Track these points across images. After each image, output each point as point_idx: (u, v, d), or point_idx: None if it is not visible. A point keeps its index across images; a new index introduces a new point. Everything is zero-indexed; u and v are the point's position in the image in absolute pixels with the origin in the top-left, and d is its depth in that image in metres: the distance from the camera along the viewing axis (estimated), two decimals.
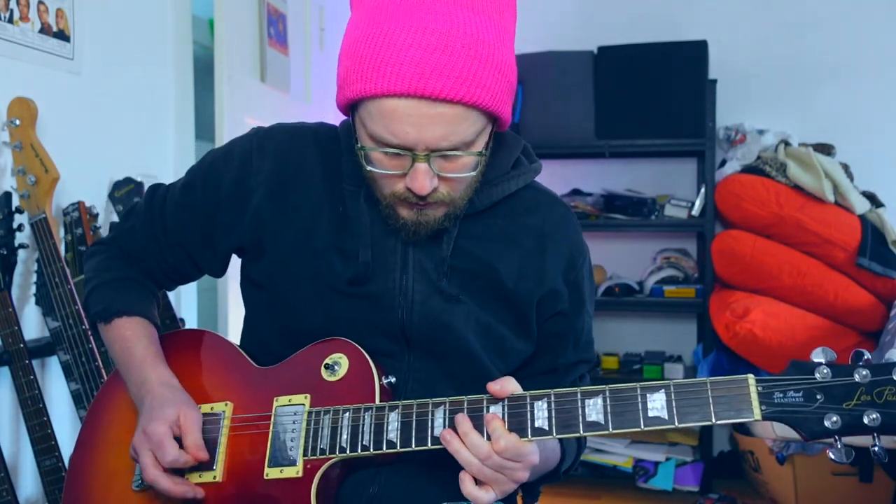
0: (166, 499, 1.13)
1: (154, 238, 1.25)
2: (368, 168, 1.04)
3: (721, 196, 3.17)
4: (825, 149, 3.20)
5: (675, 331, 3.63)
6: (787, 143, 3.18)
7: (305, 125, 1.23)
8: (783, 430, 2.77)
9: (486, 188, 1.15)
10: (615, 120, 3.31)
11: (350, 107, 1.04)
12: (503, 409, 1.00)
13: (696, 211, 3.32)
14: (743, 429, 3.00)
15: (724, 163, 3.34)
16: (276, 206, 1.16)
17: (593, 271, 1.27)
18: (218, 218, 1.20)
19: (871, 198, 3.11)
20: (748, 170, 3.18)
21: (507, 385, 1.01)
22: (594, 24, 3.60)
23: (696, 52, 3.24)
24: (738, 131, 3.36)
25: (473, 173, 1.05)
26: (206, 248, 1.23)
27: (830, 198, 2.97)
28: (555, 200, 1.24)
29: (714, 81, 3.28)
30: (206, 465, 1.11)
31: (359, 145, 1.04)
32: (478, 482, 1.00)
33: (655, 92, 3.25)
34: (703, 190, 3.30)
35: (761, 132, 3.29)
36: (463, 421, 1.00)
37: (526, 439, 0.99)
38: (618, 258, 3.62)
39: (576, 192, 3.54)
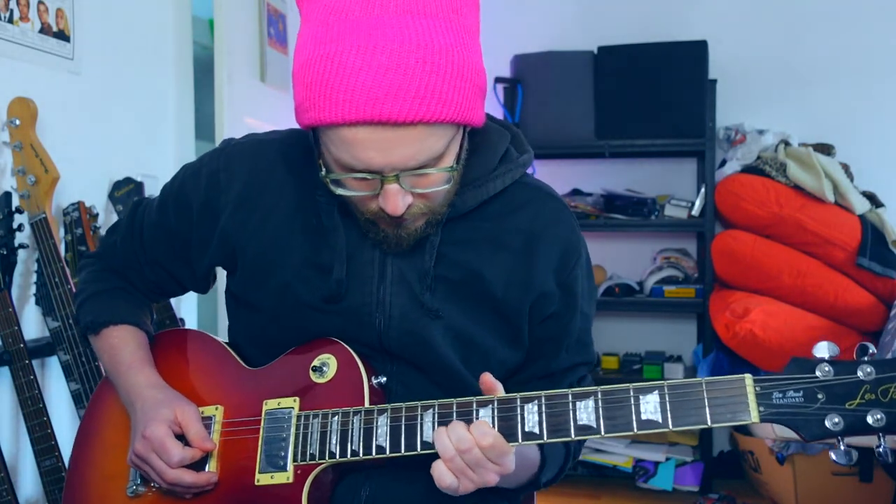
0: (160, 503, 1.13)
1: (134, 255, 1.25)
2: (338, 192, 1.01)
3: (721, 196, 3.17)
4: (825, 149, 3.20)
5: (675, 331, 3.63)
6: (787, 143, 3.18)
7: (276, 137, 1.20)
8: (783, 430, 2.77)
9: (469, 190, 1.09)
10: (615, 120, 3.31)
11: (312, 129, 1.01)
12: (493, 412, 0.97)
13: (696, 211, 3.31)
14: (743, 428, 3.00)
15: (724, 163, 3.34)
16: (244, 223, 1.14)
17: (592, 270, 1.21)
18: (192, 239, 1.19)
19: (871, 198, 3.11)
20: (748, 170, 3.18)
21: (497, 388, 0.99)
22: (594, 24, 3.60)
23: (696, 52, 3.24)
24: (738, 131, 3.36)
25: (447, 186, 1.00)
26: (184, 268, 1.23)
27: (830, 198, 2.97)
28: (546, 196, 1.17)
29: (714, 81, 3.27)
30: (200, 470, 1.11)
31: (324, 173, 1.00)
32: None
33: (655, 92, 3.25)
34: (703, 190, 3.29)
35: (761, 132, 3.29)
36: (452, 423, 0.97)
37: (514, 444, 0.97)
38: (618, 258, 3.62)
39: (576, 192, 3.55)
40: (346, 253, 1.10)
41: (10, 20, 1.88)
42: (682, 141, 3.27)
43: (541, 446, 1.14)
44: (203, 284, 1.27)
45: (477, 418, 0.97)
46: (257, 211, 1.14)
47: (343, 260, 1.09)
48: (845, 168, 3.13)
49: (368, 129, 0.91)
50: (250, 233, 1.14)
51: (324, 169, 1.00)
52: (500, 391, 0.99)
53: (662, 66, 3.24)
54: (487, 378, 0.99)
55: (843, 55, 3.39)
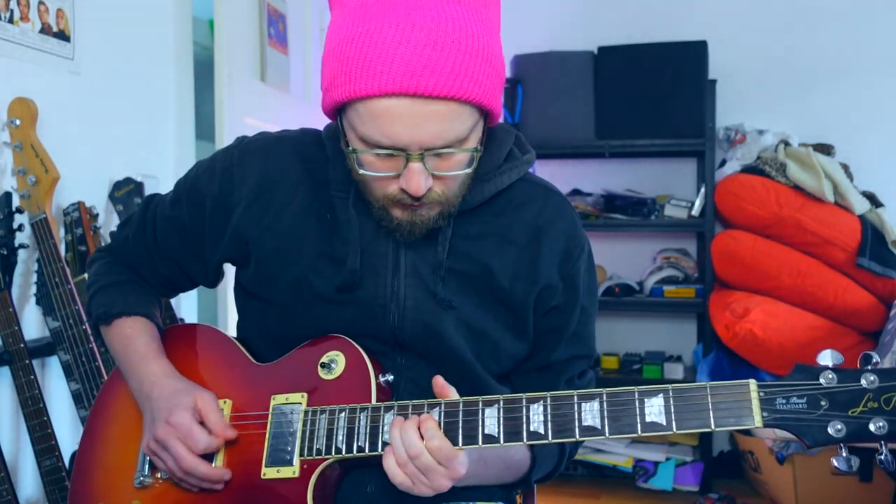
0: (167, 495, 1.14)
1: (146, 250, 1.26)
2: (361, 171, 1.02)
3: (721, 196, 3.17)
4: (825, 149, 3.20)
5: (675, 331, 3.63)
6: (786, 143, 3.18)
7: (288, 134, 1.22)
8: (783, 431, 2.77)
9: (477, 184, 1.12)
10: (615, 120, 3.31)
11: (337, 110, 1.03)
12: (499, 412, 0.98)
13: (695, 211, 3.32)
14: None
15: (723, 163, 3.34)
16: (258, 218, 1.15)
17: (594, 266, 1.24)
18: (205, 233, 1.20)
19: (871, 198, 3.11)
20: (748, 170, 3.18)
21: (447, 390, 1.01)
22: (594, 24, 3.60)
23: (696, 52, 3.24)
24: (737, 131, 3.36)
25: (468, 170, 1.04)
26: (196, 262, 1.24)
27: (830, 198, 2.97)
28: (549, 192, 1.21)
29: (714, 81, 3.28)
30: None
31: (350, 148, 1.02)
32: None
33: (655, 92, 3.25)
34: (702, 190, 3.30)
35: (761, 132, 3.29)
36: (406, 420, 1.00)
37: (467, 447, 0.98)
38: (618, 258, 3.63)
39: (576, 192, 3.55)
40: (360, 245, 1.11)
41: (11, 20, 1.88)
42: (682, 141, 3.28)
43: (531, 447, 1.15)
44: (213, 279, 1.28)
45: (482, 418, 0.99)
46: (272, 206, 1.15)
47: (357, 251, 1.11)
48: (845, 168, 3.13)
49: (401, 101, 0.94)
50: (265, 228, 1.15)
51: (349, 145, 1.02)
52: (452, 394, 1.01)
53: (662, 66, 3.25)
54: (439, 380, 1.02)
55: (843, 55, 3.39)
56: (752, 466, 3.07)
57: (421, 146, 0.97)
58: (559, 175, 3.57)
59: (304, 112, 3.14)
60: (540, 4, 3.69)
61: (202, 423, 1.10)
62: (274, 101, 2.94)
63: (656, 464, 3.19)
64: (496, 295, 1.14)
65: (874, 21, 3.37)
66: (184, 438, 1.08)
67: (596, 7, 3.66)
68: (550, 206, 1.18)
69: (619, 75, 3.30)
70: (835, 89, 3.40)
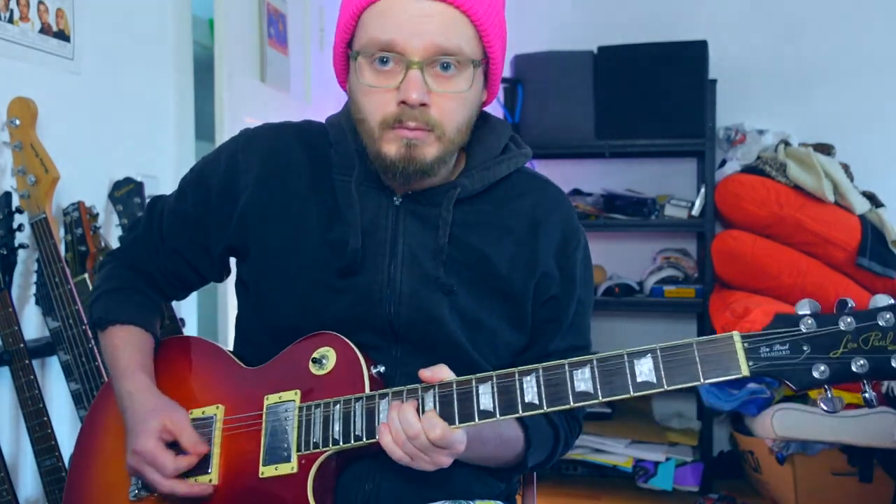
0: None
1: (153, 247, 1.26)
2: (361, 82, 1.06)
3: (721, 196, 3.17)
4: (825, 149, 3.20)
5: (675, 331, 3.63)
6: (787, 143, 3.18)
7: (291, 122, 1.24)
8: (783, 430, 2.77)
9: (477, 172, 1.15)
10: (615, 120, 3.31)
11: (349, 42, 1.09)
12: (492, 388, 0.99)
13: (696, 211, 3.31)
14: (743, 429, 3.00)
15: (724, 163, 3.34)
16: (263, 205, 1.16)
17: (590, 258, 1.25)
18: (209, 222, 1.21)
19: (871, 198, 3.11)
20: (748, 170, 3.18)
21: (439, 372, 1.01)
22: (594, 24, 3.60)
23: (696, 52, 3.24)
24: (738, 131, 3.36)
25: (466, 90, 1.06)
26: (202, 254, 1.24)
27: (830, 198, 2.97)
28: (547, 184, 1.24)
29: (714, 81, 3.28)
30: (202, 469, 1.11)
31: (354, 51, 1.07)
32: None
33: (655, 92, 3.25)
34: (703, 190, 3.30)
35: (761, 132, 3.29)
36: (403, 403, 1.00)
37: (464, 425, 0.99)
38: (618, 258, 3.62)
39: (576, 192, 3.55)
40: (361, 227, 1.12)
41: (11, 20, 1.88)
42: (682, 141, 3.28)
43: (525, 429, 1.16)
44: (219, 271, 1.29)
45: (477, 395, 0.99)
46: (277, 194, 1.16)
47: (358, 231, 1.12)
48: (845, 168, 3.13)
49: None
50: (271, 216, 1.16)
51: (355, 46, 1.08)
52: (444, 373, 1.01)
53: (662, 66, 3.25)
54: (425, 372, 1.02)
55: (843, 55, 3.39)
56: (752, 466, 3.07)
57: (422, 45, 1.02)
58: (559, 175, 3.57)
59: (304, 112, 3.13)
60: (540, 4, 3.69)
61: (175, 442, 1.10)
62: (274, 102, 2.94)
63: (656, 464, 3.19)
64: (494, 283, 1.14)
65: (874, 22, 3.37)
66: (151, 465, 1.09)
67: (596, 7, 3.66)
68: (548, 199, 1.20)
69: (619, 75, 3.30)
70: (835, 89, 3.40)
